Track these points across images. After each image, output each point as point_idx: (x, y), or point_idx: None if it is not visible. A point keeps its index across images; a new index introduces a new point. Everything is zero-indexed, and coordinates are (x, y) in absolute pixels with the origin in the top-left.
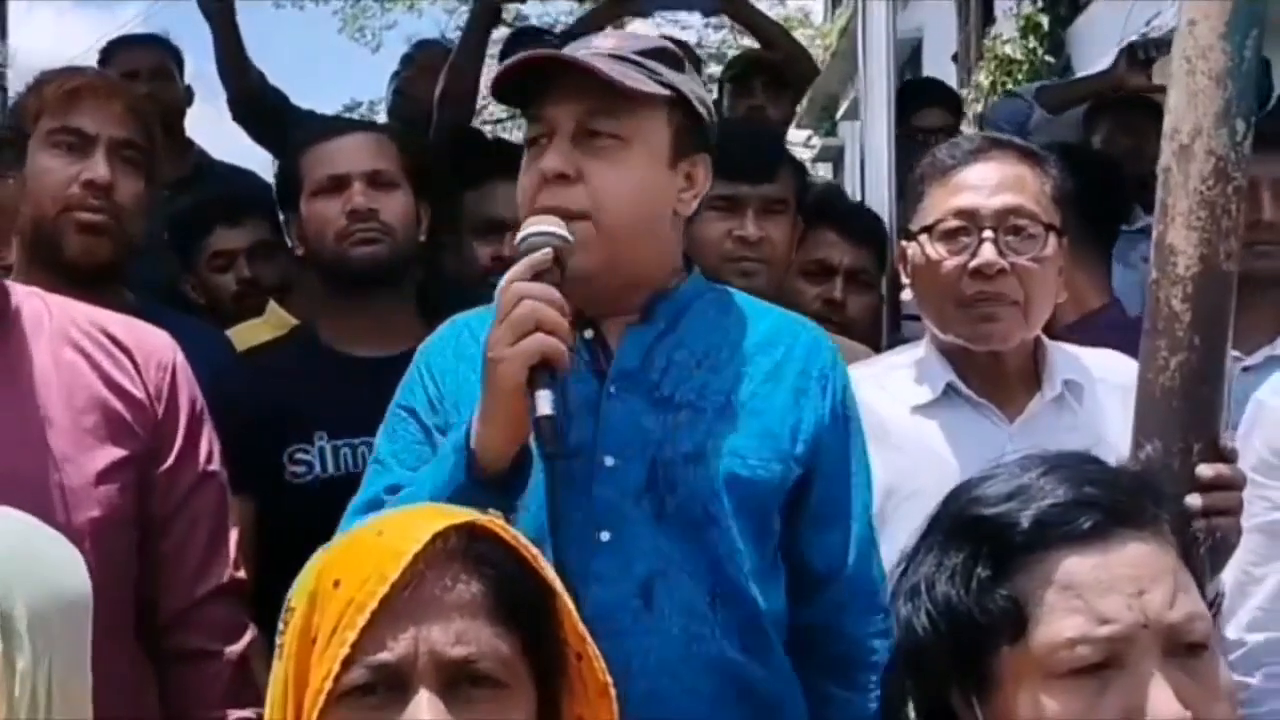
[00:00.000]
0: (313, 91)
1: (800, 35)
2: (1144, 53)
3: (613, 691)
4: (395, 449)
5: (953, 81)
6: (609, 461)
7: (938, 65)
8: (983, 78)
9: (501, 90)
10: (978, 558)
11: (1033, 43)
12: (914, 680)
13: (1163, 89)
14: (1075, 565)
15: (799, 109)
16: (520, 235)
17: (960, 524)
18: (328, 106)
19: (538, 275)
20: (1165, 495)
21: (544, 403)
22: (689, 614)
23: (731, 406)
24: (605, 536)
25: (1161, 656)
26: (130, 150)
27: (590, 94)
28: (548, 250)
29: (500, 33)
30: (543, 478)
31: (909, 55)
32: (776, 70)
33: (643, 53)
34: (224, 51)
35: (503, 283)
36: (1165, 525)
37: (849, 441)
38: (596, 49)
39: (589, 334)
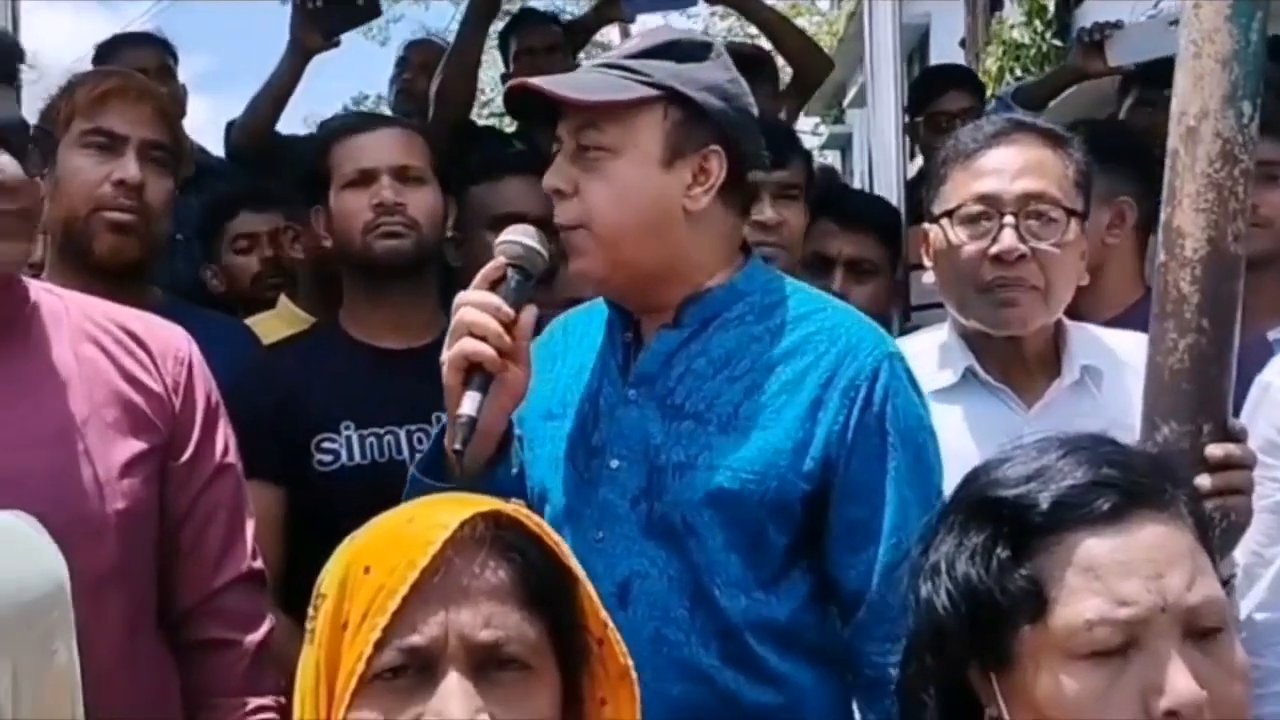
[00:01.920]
0: (320, 85)
1: (807, 22)
2: (1088, 36)
3: (633, 675)
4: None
5: None
6: (614, 464)
7: (946, 51)
8: (990, 63)
9: (518, 112)
10: (998, 538)
11: (1039, 27)
12: (934, 658)
13: (1118, 71)
14: (1095, 547)
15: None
16: (497, 243)
17: (980, 505)
18: (335, 100)
19: (494, 284)
20: (1182, 476)
21: (466, 403)
22: (664, 618)
23: (737, 418)
24: (599, 535)
25: (1179, 638)
26: (159, 151)
27: (578, 110)
28: (499, 260)
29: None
30: (563, 471)
31: (917, 41)
32: (750, 62)
33: (641, 54)
34: (280, 90)
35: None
36: (1183, 506)
37: (884, 458)
38: (604, 58)
39: (628, 337)
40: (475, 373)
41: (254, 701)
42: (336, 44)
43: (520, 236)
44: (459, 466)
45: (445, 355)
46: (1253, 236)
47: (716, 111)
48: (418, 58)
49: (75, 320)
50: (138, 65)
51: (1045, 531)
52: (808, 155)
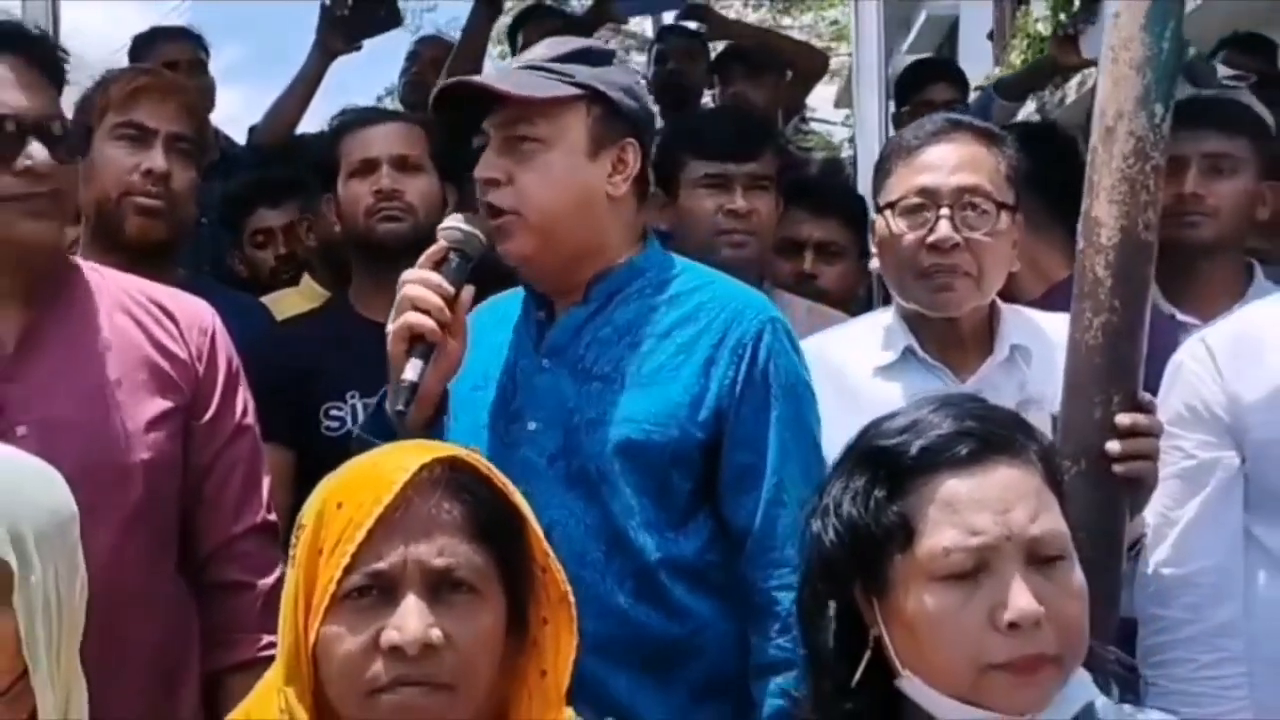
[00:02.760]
0: (355, 74)
1: (838, 13)
2: (1062, 30)
3: (571, 599)
4: None
5: (988, 59)
6: (531, 426)
7: (974, 43)
8: (1015, 55)
9: (446, 109)
10: (876, 481)
11: (1064, 19)
12: (824, 584)
13: (1092, 64)
14: (954, 486)
15: (838, 89)
16: (439, 228)
17: (864, 453)
18: (370, 88)
19: (437, 264)
20: (1034, 429)
21: (409, 370)
22: (580, 562)
23: (641, 378)
24: (524, 490)
25: (1023, 563)
26: (184, 143)
27: (510, 106)
28: (441, 243)
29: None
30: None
31: (946, 33)
32: (753, 58)
33: (560, 58)
34: (304, 91)
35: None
36: (1034, 454)
37: (768, 409)
38: (525, 61)
39: (541, 315)
40: (417, 343)
41: (266, 638)
42: (358, 48)
43: (460, 223)
44: (401, 428)
45: (390, 327)
46: (1203, 225)
47: (629, 109)
48: (428, 53)
49: (112, 293)
50: (171, 58)
51: (914, 474)
52: (780, 148)
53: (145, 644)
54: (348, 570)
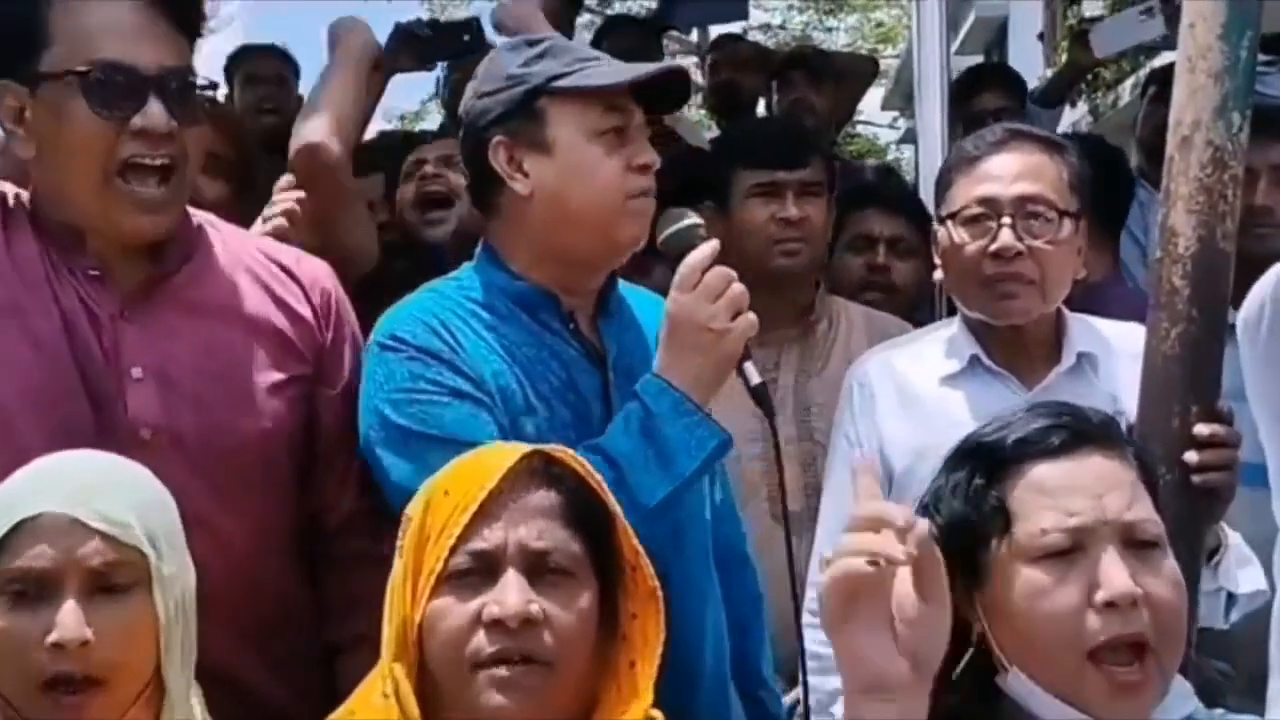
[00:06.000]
0: (399, 79)
1: (885, 15)
2: (1077, 29)
3: (659, 595)
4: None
5: (1039, 60)
6: None
7: (1024, 44)
8: (1065, 56)
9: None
10: (974, 473)
11: (1074, 20)
12: None
13: (1105, 62)
14: (1049, 472)
15: (885, 91)
16: (675, 227)
17: (961, 452)
18: (412, 94)
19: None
20: (1126, 433)
21: (753, 373)
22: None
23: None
24: None
25: (1119, 546)
26: (212, 160)
27: (639, 99)
28: (714, 242)
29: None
30: None
31: (996, 33)
32: (813, 63)
33: None
34: (363, 113)
35: (693, 261)
36: (1129, 452)
37: None
38: (590, 54)
39: (572, 325)
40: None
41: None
42: (430, 68)
43: (689, 218)
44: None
45: (730, 324)
46: (1272, 238)
47: None
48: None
49: (233, 251)
50: (255, 72)
51: (1010, 463)
52: (829, 156)
53: (249, 616)
54: (453, 552)
